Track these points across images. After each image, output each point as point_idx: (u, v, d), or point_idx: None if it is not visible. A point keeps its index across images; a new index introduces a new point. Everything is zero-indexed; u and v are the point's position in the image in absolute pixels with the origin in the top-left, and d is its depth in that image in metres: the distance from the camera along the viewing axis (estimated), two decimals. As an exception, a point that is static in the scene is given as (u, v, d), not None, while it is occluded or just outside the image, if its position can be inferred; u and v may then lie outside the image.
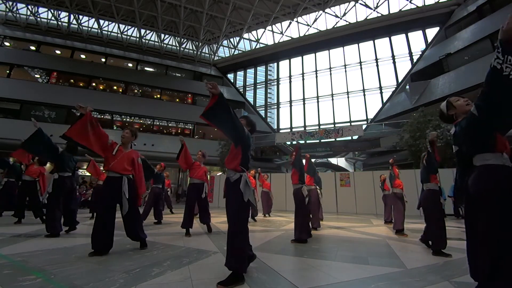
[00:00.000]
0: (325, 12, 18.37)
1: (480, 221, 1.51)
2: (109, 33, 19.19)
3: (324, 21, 19.36)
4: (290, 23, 19.22)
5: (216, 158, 14.77)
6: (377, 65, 18.42)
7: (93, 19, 18.22)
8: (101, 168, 5.32)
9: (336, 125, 18.00)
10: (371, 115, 17.81)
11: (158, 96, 18.92)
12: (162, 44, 20.04)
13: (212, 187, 12.18)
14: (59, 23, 18.05)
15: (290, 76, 21.30)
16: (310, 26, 19.36)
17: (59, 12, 17.70)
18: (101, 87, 17.97)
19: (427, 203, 3.48)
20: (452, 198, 7.96)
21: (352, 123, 17.90)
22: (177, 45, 20.28)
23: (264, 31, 20.02)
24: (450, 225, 6.47)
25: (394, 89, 17.42)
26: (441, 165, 9.45)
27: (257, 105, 22.17)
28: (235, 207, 2.19)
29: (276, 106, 21.76)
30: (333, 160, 23.52)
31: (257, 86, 22.53)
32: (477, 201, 1.54)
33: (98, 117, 16.38)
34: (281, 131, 20.06)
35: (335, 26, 18.75)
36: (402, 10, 17.02)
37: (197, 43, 20.10)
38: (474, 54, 13.31)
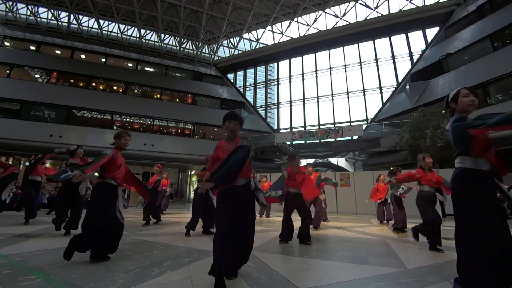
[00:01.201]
0: (325, 12, 18.36)
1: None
2: (109, 33, 19.17)
3: (324, 21, 19.37)
4: (290, 23, 19.21)
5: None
6: (377, 65, 18.41)
7: (93, 19, 18.21)
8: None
9: (336, 125, 17.98)
10: (371, 115, 17.82)
11: (158, 96, 18.91)
12: (162, 44, 20.03)
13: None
14: (59, 23, 18.04)
15: (290, 76, 21.29)
16: (310, 26, 19.36)
17: (59, 12, 17.69)
18: (101, 87, 17.96)
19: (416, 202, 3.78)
20: None
21: (352, 123, 17.89)
22: (177, 45, 20.27)
23: (264, 31, 20.01)
24: (451, 225, 6.46)
25: (394, 89, 17.41)
26: (441, 165, 9.47)
27: (257, 105, 22.16)
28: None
29: (276, 106, 21.75)
30: (333, 160, 23.54)
31: (257, 86, 22.52)
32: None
33: (98, 117, 16.42)
34: (281, 131, 20.05)
35: (335, 26, 18.73)
36: (402, 10, 17.01)
37: (197, 43, 20.09)
38: (474, 54, 13.31)
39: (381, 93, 18.04)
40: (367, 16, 17.97)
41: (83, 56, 18.42)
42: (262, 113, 21.70)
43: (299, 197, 3.93)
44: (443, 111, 2.01)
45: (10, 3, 16.85)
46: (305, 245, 3.67)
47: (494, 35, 12.73)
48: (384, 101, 17.62)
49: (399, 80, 17.35)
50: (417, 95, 14.93)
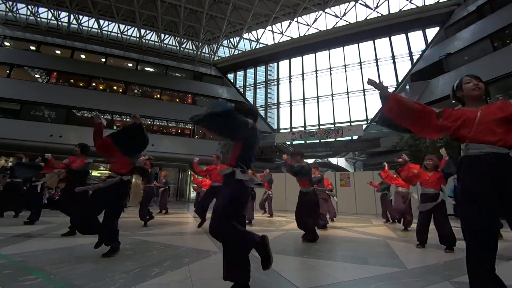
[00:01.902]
0: (325, 12, 18.35)
1: None
2: (109, 33, 19.17)
3: (324, 21, 19.36)
4: (290, 23, 19.21)
5: (216, 158, 14.75)
6: (377, 65, 18.41)
7: (93, 19, 18.21)
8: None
9: (336, 125, 17.97)
10: (371, 115, 17.81)
11: (158, 96, 18.91)
12: (162, 44, 20.03)
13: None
14: (59, 23, 18.04)
15: (290, 76, 21.29)
16: (310, 26, 19.35)
17: (59, 12, 17.69)
18: (101, 87, 17.96)
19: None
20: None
21: (352, 123, 17.88)
22: (177, 45, 20.27)
23: (264, 31, 20.01)
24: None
25: (394, 89, 17.37)
26: (441, 165, 9.45)
27: (257, 105, 22.14)
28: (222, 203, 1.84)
29: (276, 106, 21.74)
30: (333, 160, 23.51)
31: (257, 86, 22.52)
32: None
33: (98, 117, 16.39)
34: (281, 131, 20.04)
35: (335, 26, 18.73)
36: (402, 10, 17.01)
37: (197, 43, 20.09)
38: (474, 54, 13.31)
39: (381, 93, 18.01)
40: (367, 16, 17.97)
41: (83, 56, 18.42)
42: (262, 113, 21.70)
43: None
44: None
45: (10, 3, 16.85)
46: (305, 244, 3.66)
47: (494, 35, 12.72)
48: (384, 101, 17.59)
49: (399, 80, 17.35)
50: (417, 95, 14.92)
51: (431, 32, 17.01)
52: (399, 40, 18.08)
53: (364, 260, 2.85)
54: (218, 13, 17.81)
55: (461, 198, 1.58)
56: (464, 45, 14.01)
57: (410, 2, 16.76)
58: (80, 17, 18.14)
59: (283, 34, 20.00)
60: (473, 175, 1.54)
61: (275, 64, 22.33)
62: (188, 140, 17.84)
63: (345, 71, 19.41)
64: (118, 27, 18.68)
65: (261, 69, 22.61)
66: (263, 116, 21.45)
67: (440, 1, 16.11)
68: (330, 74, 19.78)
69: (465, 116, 1.65)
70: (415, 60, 17.11)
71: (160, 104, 17.99)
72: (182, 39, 19.94)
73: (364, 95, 18.37)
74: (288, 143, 17.77)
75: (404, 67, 17.60)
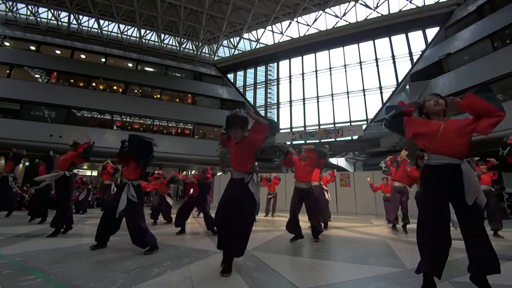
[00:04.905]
0: (325, 12, 18.35)
1: None
2: (109, 33, 19.17)
3: (324, 21, 19.36)
4: (290, 23, 19.21)
5: (216, 158, 14.81)
6: (377, 65, 18.40)
7: (93, 19, 18.21)
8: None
9: (336, 125, 17.97)
10: (371, 115, 17.80)
11: (158, 96, 18.90)
12: (162, 44, 20.03)
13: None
14: (59, 23, 18.03)
15: (290, 76, 21.28)
16: (310, 26, 19.35)
17: (59, 12, 17.69)
18: (101, 87, 17.96)
19: None
20: None
21: (352, 123, 17.87)
22: (177, 45, 20.27)
23: (264, 31, 20.01)
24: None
25: (394, 89, 17.40)
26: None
27: (257, 105, 22.14)
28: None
29: (276, 106, 21.74)
30: (333, 160, 23.52)
31: (257, 86, 22.51)
32: None
33: (98, 117, 16.42)
34: (281, 131, 20.02)
35: (335, 26, 18.72)
36: (402, 10, 17.01)
37: (197, 43, 20.09)
38: (474, 54, 13.31)
39: (381, 93, 18.04)
40: (367, 16, 17.97)
41: (83, 56, 18.42)
42: (262, 113, 21.68)
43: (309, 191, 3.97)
44: None
45: (10, 3, 16.84)
46: (305, 244, 3.66)
47: (494, 35, 12.72)
48: (384, 101, 17.62)
49: (399, 80, 17.35)
50: (417, 95, 14.89)
51: (431, 32, 17.02)
52: (399, 40, 18.09)
53: (364, 260, 2.84)
54: (218, 13, 17.81)
55: (420, 201, 1.99)
56: (464, 45, 14.00)
57: (410, 2, 16.76)
58: (80, 17, 18.13)
59: (283, 34, 20.01)
60: (432, 183, 1.86)
61: (275, 64, 22.32)
62: (188, 140, 17.85)
63: (345, 71, 19.41)
64: (118, 27, 18.68)
65: (261, 69, 22.60)
66: (263, 116, 21.45)
67: (440, 1, 16.11)
68: (330, 74, 19.78)
69: (429, 127, 1.89)
70: (415, 60, 17.10)
71: (160, 104, 17.99)
72: (182, 39, 19.94)
73: (364, 95, 18.37)
74: (288, 143, 17.76)
75: (404, 67, 17.62)
